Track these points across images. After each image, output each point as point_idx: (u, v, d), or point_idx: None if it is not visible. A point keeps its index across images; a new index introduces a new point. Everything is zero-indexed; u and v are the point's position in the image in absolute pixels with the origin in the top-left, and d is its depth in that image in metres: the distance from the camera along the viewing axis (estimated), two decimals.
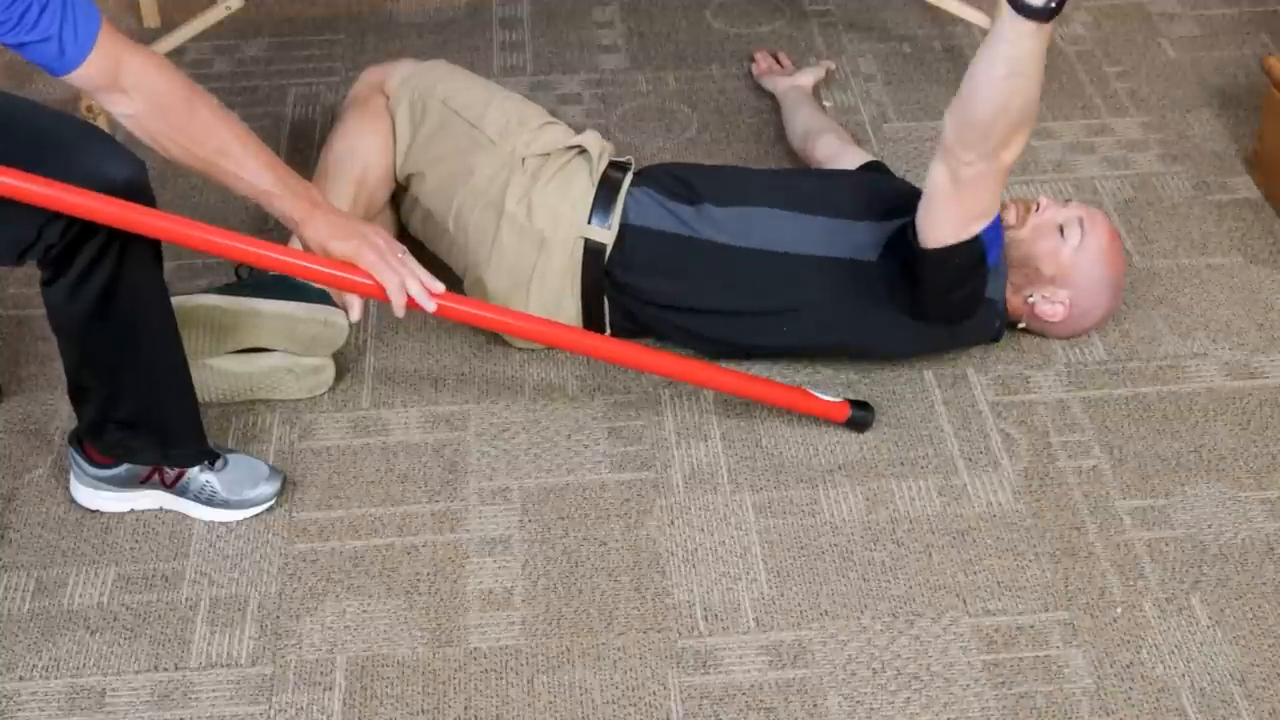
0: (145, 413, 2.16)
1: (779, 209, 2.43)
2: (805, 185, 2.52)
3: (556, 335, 2.30)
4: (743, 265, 2.40)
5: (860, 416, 2.39)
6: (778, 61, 3.19)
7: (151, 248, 2.04)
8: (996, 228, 2.31)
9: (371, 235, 2.08)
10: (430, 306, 2.10)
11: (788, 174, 2.66)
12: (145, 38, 3.20)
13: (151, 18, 3.34)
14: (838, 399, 2.38)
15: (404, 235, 2.68)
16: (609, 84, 3.19)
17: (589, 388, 2.48)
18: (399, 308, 2.09)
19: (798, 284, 2.39)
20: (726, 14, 3.39)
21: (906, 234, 2.31)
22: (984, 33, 3.09)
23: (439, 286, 2.12)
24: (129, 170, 1.96)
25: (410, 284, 2.08)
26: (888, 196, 2.47)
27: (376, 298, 2.09)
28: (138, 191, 1.97)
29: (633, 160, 2.53)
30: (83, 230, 1.94)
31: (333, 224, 2.07)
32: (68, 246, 1.95)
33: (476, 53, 3.26)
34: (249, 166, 2.03)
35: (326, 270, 2.07)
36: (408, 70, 2.63)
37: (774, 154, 2.97)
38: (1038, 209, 2.45)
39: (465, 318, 2.24)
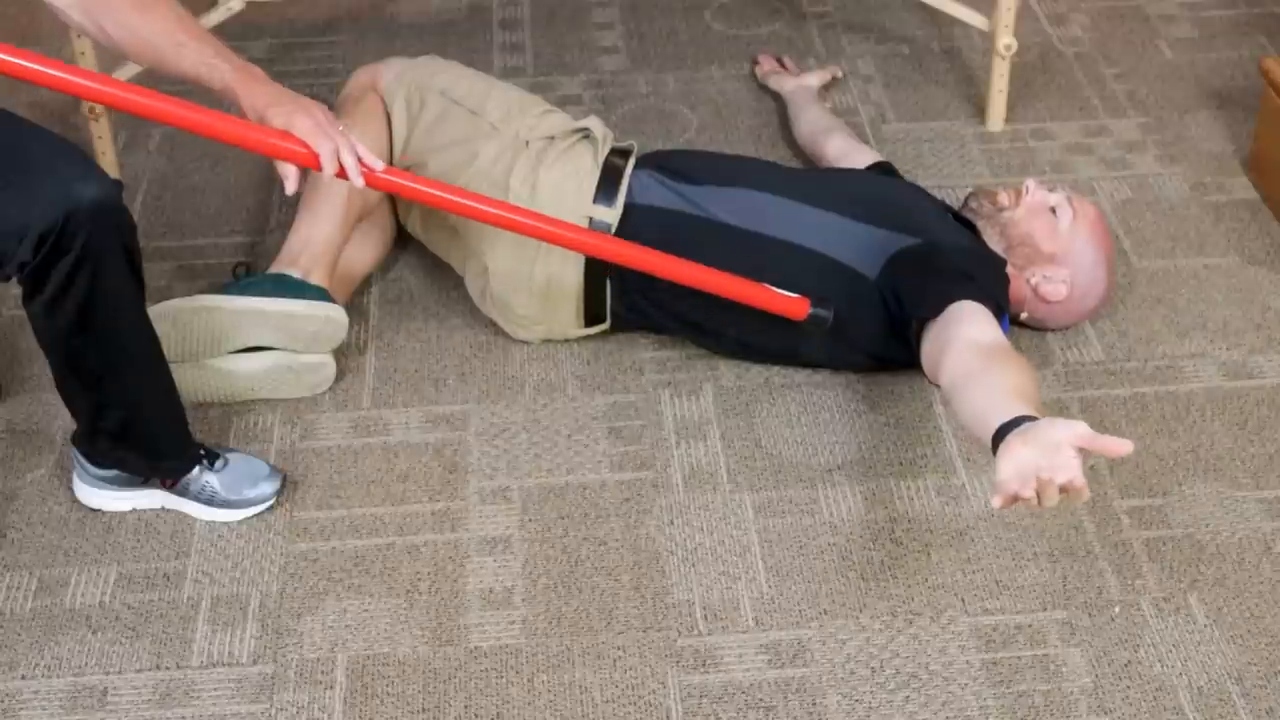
0: (131, 426, 2.17)
1: (783, 197, 2.44)
2: (806, 177, 2.52)
3: (501, 218, 2.23)
4: (744, 248, 2.39)
5: (820, 315, 2.36)
6: (780, 64, 3.19)
7: (127, 266, 2.01)
8: (1005, 320, 2.32)
9: (310, 105, 2.05)
10: (359, 182, 2.06)
11: (787, 168, 2.68)
12: None
13: None
14: (798, 295, 2.36)
15: (402, 235, 2.69)
16: (609, 85, 3.19)
17: (589, 388, 2.48)
18: (327, 175, 2.05)
19: (798, 277, 2.38)
20: (726, 15, 3.40)
21: (903, 303, 2.32)
22: (981, 34, 3.11)
23: (377, 164, 2.08)
24: (97, 190, 1.93)
25: (344, 153, 2.04)
26: (889, 203, 2.48)
27: (309, 166, 2.04)
28: (107, 212, 1.94)
29: (635, 145, 2.55)
30: (55, 249, 1.92)
31: (270, 93, 2.04)
32: (41, 264, 1.93)
33: (476, 54, 3.26)
34: (190, 43, 2.01)
35: (261, 137, 2.03)
36: (399, 67, 2.63)
37: (774, 155, 2.97)
38: (1027, 192, 2.50)
39: (396, 189, 2.19)
